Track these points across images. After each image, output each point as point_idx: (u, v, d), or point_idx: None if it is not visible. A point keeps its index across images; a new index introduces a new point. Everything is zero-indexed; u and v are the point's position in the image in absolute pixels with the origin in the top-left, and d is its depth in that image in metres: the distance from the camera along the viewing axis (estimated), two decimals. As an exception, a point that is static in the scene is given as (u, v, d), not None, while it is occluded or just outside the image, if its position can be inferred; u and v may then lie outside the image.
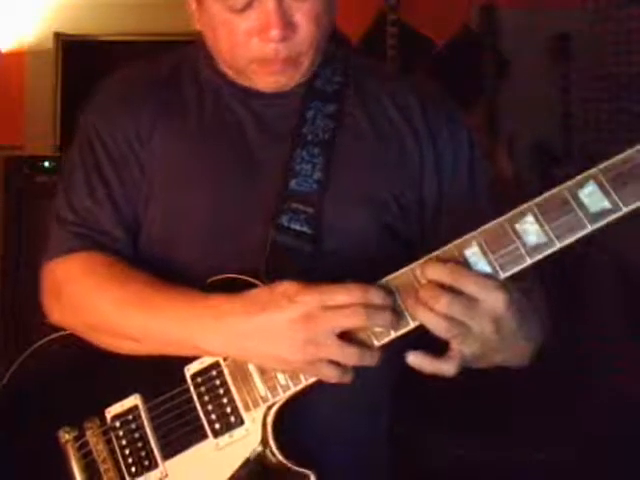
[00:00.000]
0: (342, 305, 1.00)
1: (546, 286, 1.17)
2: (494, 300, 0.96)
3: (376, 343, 1.02)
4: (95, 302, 1.17)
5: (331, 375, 1.03)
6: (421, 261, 1.01)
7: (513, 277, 0.98)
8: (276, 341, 1.02)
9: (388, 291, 1.01)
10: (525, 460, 2.69)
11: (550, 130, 3.93)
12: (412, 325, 1.01)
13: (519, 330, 1.01)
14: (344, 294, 1.00)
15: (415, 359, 0.99)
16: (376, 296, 1.00)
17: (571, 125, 3.91)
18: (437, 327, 0.97)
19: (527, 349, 1.07)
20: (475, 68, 4.03)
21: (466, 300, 0.96)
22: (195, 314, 1.08)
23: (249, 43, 1.13)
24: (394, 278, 1.02)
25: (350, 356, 1.01)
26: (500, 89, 4.01)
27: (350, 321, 1.00)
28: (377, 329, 1.02)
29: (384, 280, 1.02)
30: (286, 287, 1.02)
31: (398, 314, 1.01)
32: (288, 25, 1.11)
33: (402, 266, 1.02)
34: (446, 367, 1.00)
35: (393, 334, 1.02)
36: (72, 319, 1.21)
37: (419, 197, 1.23)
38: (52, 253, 1.24)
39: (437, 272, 0.97)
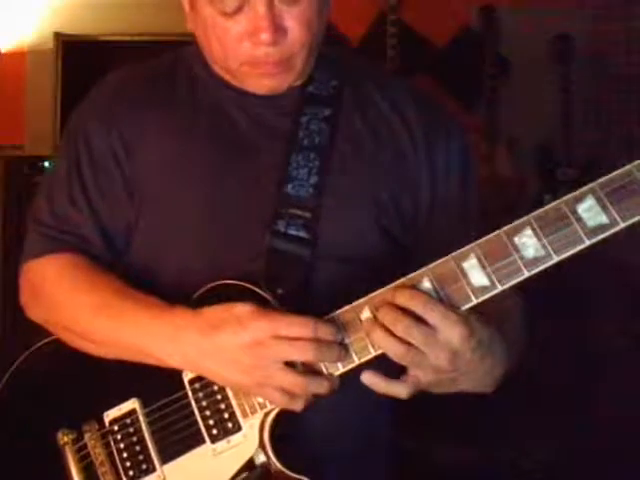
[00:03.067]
0: (292, 337, 1.01)
1: (528, 298, 1.17)
2: (451, 333, 0.97)
3: (326, 372, 1.04)
4: (66, 304, 1.19)
5: (278, 401, 1.04)
6: (369, 296, 1.02)
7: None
8: (224, 363, 1.04)
9: (338, 326, 1.02)
10: (522, 463, 2.69)
11: (550, 130, 3.93)
12: (356, 362, 1.02)
13: (479, 364, 1.01)
14: (296, 326, 1.01)
15: (369, 378, 1.01)
16: (327, 332, 1.01)
17: (571, 125, 3.91)
18: (394, 351, 0.98)
19: (488, 381, 1.07)
20: (475, 68, 4.02)
21: (425, 328, 0.97)
22: (156, 327, 1.09)
23: (240, 46, 1.13)
24: (344, 312, 1.03)
25: (296, 385, 1.02)
26: (500, 89, 4.01)
27: (297, 354, 1.01)
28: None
29: (336, 313, 1.04)
30: (241, 310, 1.03)
31: (346, 349, 1.02)
32: (279, 29, 1.10)
33: (398, 271, 1.02)
34: (399, 389, 1.01)
35: (341, 368, 1.03)
36: (46, 318, 1.22)
37: (415, 201, 1.23)
38: (29, 254, 1.25)
39: (407, 298, 0.98)
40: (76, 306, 1.17)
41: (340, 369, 1.03)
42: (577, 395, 2.88)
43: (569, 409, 2.79)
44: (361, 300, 1.03)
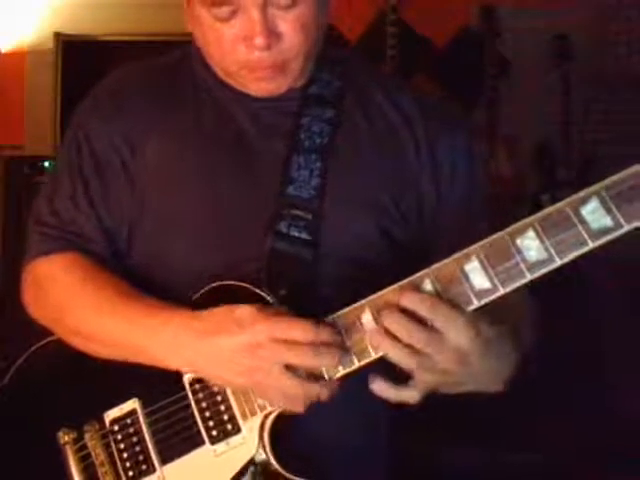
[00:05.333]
0: (292, 340, 1.00)
1: (537, 294, 1.15)
2: (458, 335, 0.96)
3: (326, 376, 1.03)
4: (69, 304, 1.19)
5: (278, 403, 1.04)
6: (369, 298, 1.01)
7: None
8: (223, 365, 1.04)
9: (338, 328, 1.02)
10: (521, 464, 2.69)
11: (550, 130, 3.93)
12: (357, 364, 1.01)
13: (487, 364, 1.00)
14: (295, 330, 1.00)
15: (379, 387, 1.00)
16: (327, 336, 1.00)
17: (571, 125, 3.91)
18: (399, 356, 0.97)
19: (498, 381, 1.06)
20: (475, 68, 4.03)
21: (430, 331, 0.96)
22: (157, 329, 1.09)
23: (236, 50, 1.13)
24: (344, 314, 1.03)
25: (294, 389, 1.02)
26: (500, 89, 4.01)
27: (296, 359, 1.01)
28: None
29: (336, 315, 1.03)
30: (241, 312, 1.03)
31: (345, 353, 1.01)
32: (272, 34, 1.10)
33: (400, 272, 1.02)
34: (410, 395, 1.00)
35: (342, 371, 1.02)
36: (49, 318, 1.22)
37: (417, 203, 1.22)
38: (32, 254, 1.25)
39: (412, 301, 0.96)
40: (80, 307, 1.17)
41: (340, 372, 1.03)
42: (582, 394, 2.88)
43: (575, 410, 2.79)
44: (362, 301, 1.02)
